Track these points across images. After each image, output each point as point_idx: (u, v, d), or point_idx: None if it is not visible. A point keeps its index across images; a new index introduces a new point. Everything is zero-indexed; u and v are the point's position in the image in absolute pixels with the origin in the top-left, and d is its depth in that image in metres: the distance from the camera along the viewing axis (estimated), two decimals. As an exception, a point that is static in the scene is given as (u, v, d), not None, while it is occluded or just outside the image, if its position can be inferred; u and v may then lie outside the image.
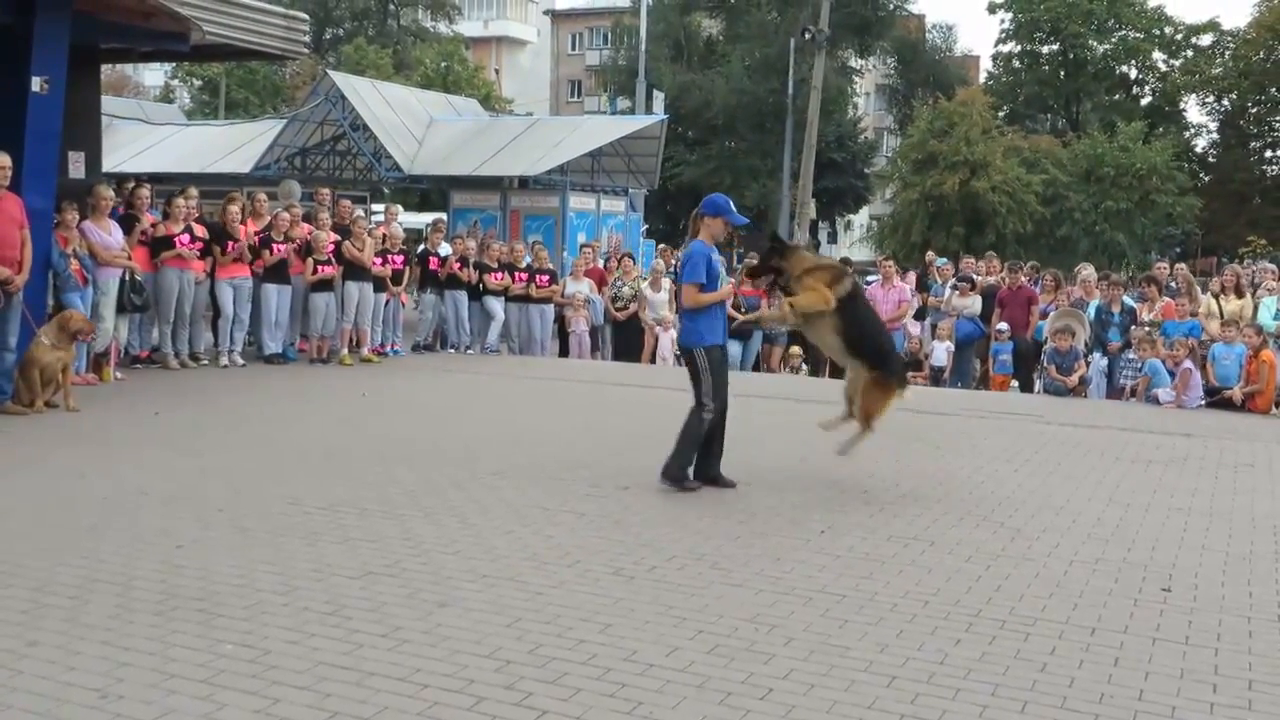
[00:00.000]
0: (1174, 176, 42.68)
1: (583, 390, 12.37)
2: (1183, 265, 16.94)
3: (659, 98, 37.18)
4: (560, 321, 16.15)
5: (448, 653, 4.39)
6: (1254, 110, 49.71)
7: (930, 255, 19.38)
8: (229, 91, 50.68)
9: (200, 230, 12.53)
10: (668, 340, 15.23)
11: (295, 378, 12.35)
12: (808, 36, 37.75)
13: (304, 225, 13.66)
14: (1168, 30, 50.63)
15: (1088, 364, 13.16)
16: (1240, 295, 13.67)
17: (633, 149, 26.61)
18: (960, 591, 5.35)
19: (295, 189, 19.58)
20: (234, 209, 12.84)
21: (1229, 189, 47.39)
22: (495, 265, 15.44)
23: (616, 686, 4.13)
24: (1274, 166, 50.31)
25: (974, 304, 15.08)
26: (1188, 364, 12.13)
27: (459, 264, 15.03)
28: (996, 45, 53.27)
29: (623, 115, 39.57)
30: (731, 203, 7.58)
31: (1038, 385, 14.02)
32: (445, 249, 15.45)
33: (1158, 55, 51.47)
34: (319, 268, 13.26)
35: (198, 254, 12.39)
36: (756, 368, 15.43)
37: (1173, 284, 14.61)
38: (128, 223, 11.91)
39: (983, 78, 55.89)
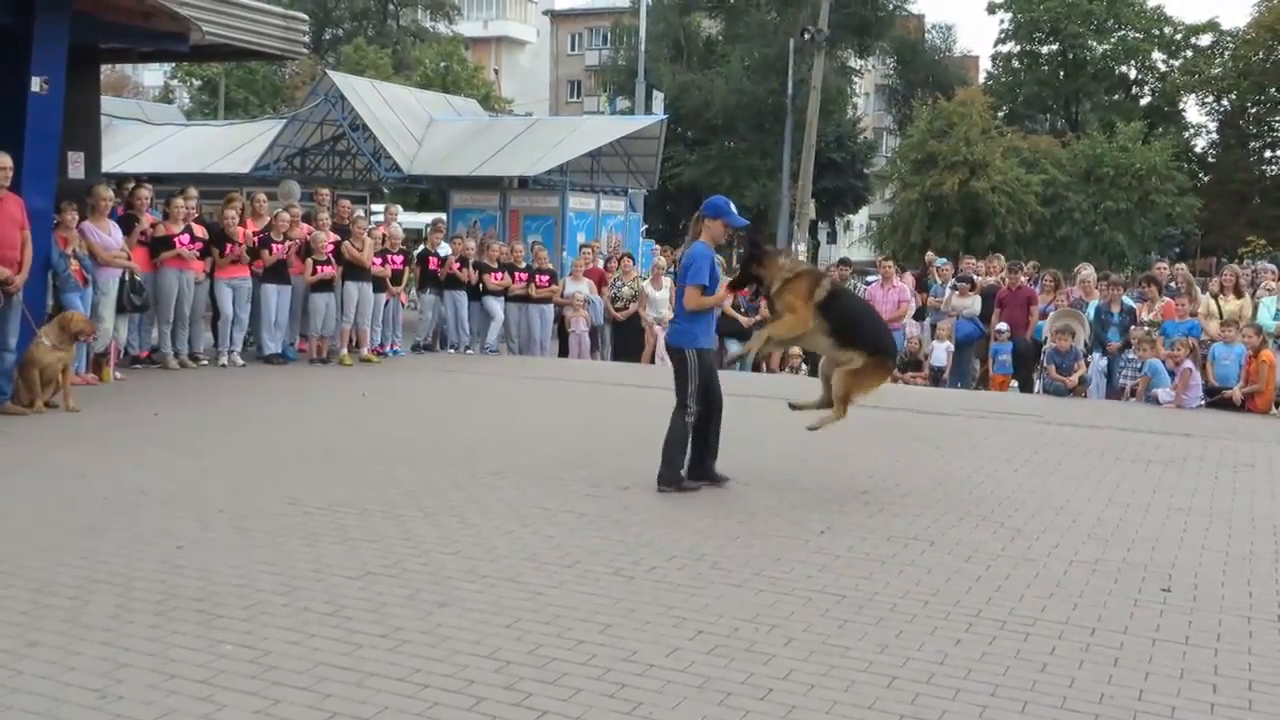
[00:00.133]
0: (1173, 177, 42.66)
1: (583, 390, 12.37)
2: (1182, 265, 16.93)
3: (659, 98, 37.17)
4: (560, 321, 16.16)
5: (448, 653, 4.39)
6: (1253, 110, 49.68)
7: (930, 255, 19.33)
8: (228, 92, 50.64)
9: (200, 230, 12.53)
10: (667, 340, 15.20)
11: (295, 378, 12.36)
12: (807, 37, 37.71)
13: (303, 225, 13.67)
14: (1167, 30, 50.61)
15: (1087, 364, 13.16)
16: (1239, 295, 13.67)
17: (632, 149, 26.59)
18: (960, 592, 5.35)
19: (295, 189, 19.59)
20: (231, 212, 12.81)
21: (1228, 189, 47.37)
22: (495, 265, 15.46)
23: (616, 687, 4.13)
24: (1273, 166, 50.29)
25: (973, 304, 15.07)
26: (1187, 364, 12.13)
27: (458, 264, 15.04)
28: (996, 45, 53.34)
29: (622, 115, 39.54)
30: (732, 204, 7.57)
31: (1037, 385, 14.01)
32: (445, 249, 15.45)
33: (1157, 55, 51.45)
34: (318, 268, 13.27)
35: (197, 254, 12.40)
36: (756, 368, 15.42)
37: (1172, 284, 14.61)
38: (127, 223, 11.92)
39: (982, 78, 55.85)
